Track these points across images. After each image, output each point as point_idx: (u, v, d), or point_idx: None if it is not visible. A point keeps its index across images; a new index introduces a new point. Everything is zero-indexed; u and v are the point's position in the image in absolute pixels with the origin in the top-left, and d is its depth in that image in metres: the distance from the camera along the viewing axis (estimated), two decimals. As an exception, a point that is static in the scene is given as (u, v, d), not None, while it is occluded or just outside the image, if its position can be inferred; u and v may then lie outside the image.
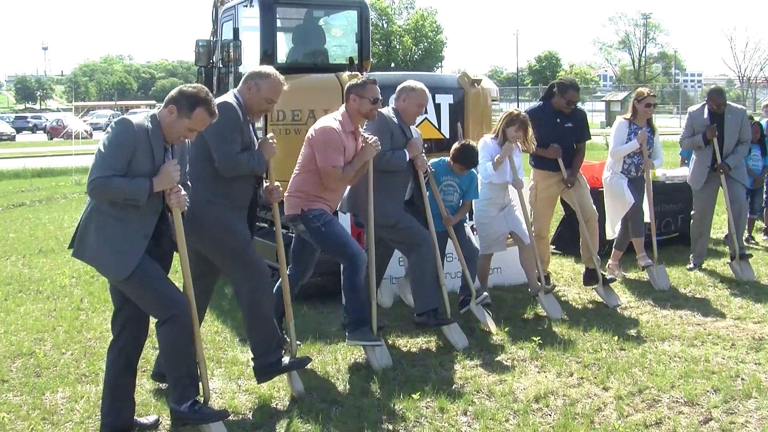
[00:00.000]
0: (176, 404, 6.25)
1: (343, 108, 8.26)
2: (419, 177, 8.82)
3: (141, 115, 6.15)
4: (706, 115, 12.01)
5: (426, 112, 11.24)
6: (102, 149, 5.90)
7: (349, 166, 8.05)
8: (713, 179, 12.07)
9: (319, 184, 8.04)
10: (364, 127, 8.52)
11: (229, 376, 7.82)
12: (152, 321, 6.41)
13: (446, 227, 9.32)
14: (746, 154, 12.27)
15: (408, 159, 8.60)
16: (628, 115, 11.31)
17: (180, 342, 6.21)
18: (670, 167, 12.89)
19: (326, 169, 7.90)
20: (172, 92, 6.18)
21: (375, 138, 8.21)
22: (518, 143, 10.01)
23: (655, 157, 11.32)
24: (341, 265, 8.14)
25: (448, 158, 9.50)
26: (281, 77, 7.22)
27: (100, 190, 5.82)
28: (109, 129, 6.02)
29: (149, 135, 5.99)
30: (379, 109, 8.59)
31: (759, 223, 15.27)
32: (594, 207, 10.79)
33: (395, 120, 8.68)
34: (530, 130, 9.96)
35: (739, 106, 12.77)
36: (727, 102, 12.17)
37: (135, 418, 6.61)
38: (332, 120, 8.09)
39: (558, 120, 10.61)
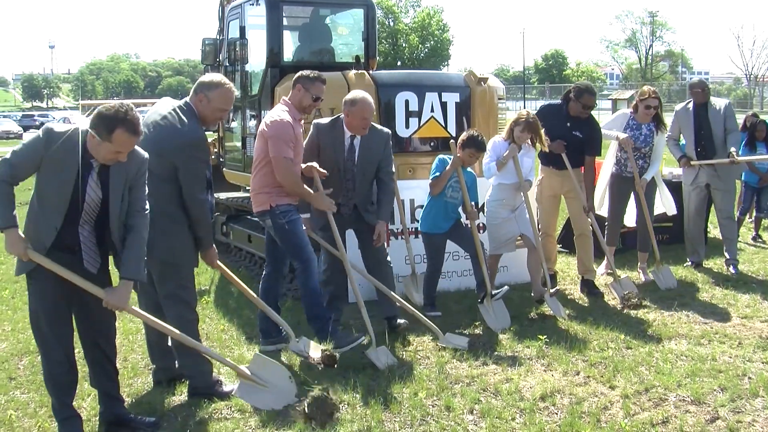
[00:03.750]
0: None
1: (286, 98, 8.38)
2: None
3: (77, 129, 6.02)
4: (690, 109, 12.16)
5: (432, 111, 11.27)
6: (18, 148, 5.92)
7: (296, 186, 8.15)
8: (703, 176, 12.15)
9: (272, 177, 8.20)
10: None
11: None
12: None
13: (470, 222, 9.49)
14: (738, 142, 12.25)
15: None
16: (632, 107, 11.35)
17: (55, 374, 6.31)
18: (677, 165, 12.85)
19: (277, 159, 8.00)
20: (93, 116, 5.97)
21: (330, 200, 8.35)
22: (528, 143, 10.03)
23: (654, 160, 11.34)
24: (301, 268, 8.18)
25: (450, 156, 9.49)
26: (230, 84, 7.18)
27: None
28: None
29: (65, 147, 5.89)
30: (337, 116, 8.83)
31: (766, 222, 15.24)
32: (588, 223, 10.88)
33: (347, 134, 8.78)
34: (542, 132, 10.00)
35: (722, 99, 12.94)
36: (711, 97, 12.27)
37: (135, 416, 6.69)
38: (282, 112, 8.19)
39: (568, 124, 10.64)
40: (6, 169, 5.85)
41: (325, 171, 8.35)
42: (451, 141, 9.52)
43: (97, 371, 6.59)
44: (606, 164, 11.51)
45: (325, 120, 8.95)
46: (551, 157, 10.68)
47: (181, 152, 6.73)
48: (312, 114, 10.53)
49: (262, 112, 11.41)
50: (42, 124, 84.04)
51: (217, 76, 7.22)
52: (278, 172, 8.05)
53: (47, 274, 6.05)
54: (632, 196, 11.50)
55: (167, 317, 7.16)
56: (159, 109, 7.10)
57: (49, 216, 5.98)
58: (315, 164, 8.32)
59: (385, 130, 9.08)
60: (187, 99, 7.10)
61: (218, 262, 7.45)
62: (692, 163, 11.97)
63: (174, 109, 6.96)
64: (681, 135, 12.35)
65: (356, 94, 8.78)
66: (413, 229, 10.38)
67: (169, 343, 7.36)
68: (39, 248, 6.00)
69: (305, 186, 8.18)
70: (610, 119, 11.53)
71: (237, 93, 7.42)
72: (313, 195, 8.22)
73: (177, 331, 6.69)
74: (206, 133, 7.27)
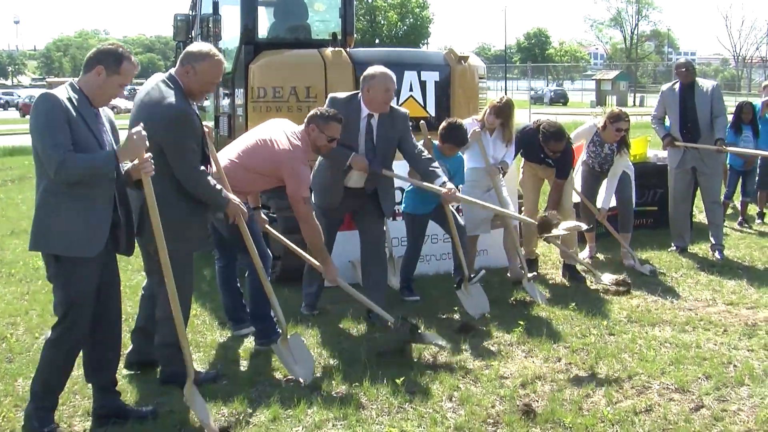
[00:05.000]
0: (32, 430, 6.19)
1: (302, 132, 8.21)
2: None
3: (61, 87, 6.00)
4: (677, 89, 12.19)
5: (411, 90, 11.25)
6: (39, 133, 5.76)
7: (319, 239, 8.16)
8: (689, 159, 12.20)
9: (253, 187, 8.18)
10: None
11: (208, 361, 7.83)
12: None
13: (444, 205, 9.31)
14: (725, 127, 12.30)
15: (348, 164, 8.64)
16: (600, 125, 11.39)
17: (62, 358, 6.17)
18: (661, 147, 12.92)
19: (296, 199, 7.89)
20: (90, 55, 6.04)
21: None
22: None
23: (610, 180, 11.51)
24: (248, 267, 8.10)
25: (436, 142, 9.51)
26: (220, 56, 6.94)
27: (65, 169, 5.63)
28: (33, 109, 5.86)
29: (76, 104, 5.85)
30: (354, 93, 8.73)
31: (752, 207, 15.29)
32: (572, 207, 11.03)
33: (363, 111, 8.70)
34: (511, 121, 10.20)
35: (710, 81, 13.07)
36: (698, 78, 12.32)
37: (132, 407, 6.65)
38: (301, 151, 8.03)
39: (542, 155, 10.67)
40: (59, 151, 5.65)
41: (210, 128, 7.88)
42: (422, 122, 9.50)
43: (102, 361, 6.47)
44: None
45: (342, 94, 8.87)
46: (530, 154, 10.81)
47: (164, 129, 6.53)
48: (287, 94, 10.57)
49: (236, 90, 11.37)
50: (6, 102, 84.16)
51: (205, 47, 6.99)
52: (295, 208, 7.97)
53: (93, 259, 5.98)
54: (604, 182, 11.64)
55: (157, 306, 7.13)
56: (146, 86, 6.93)
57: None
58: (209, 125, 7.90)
59: (403, 109, 9.07)
60: (172, 71, 6.92)
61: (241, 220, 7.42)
62: (677, 143, 12.02)
63: (157, 84, 6.79)
64: (666, 116, 12.42)
65: (374, 68, 8.71)
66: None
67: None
68: (108, 203, 6.01)
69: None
70: (579, 129, 11.62)
71: (226, 65, 7.26)
72: (327, 263, 8.24)
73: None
74: None
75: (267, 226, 8.37)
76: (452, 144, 9.52)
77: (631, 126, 11.54)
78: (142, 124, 6.01)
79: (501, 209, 9.87)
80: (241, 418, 6.52)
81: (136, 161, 5.98)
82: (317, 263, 8.25)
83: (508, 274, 10.36)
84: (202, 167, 6.84)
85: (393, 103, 8.84)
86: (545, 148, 10.46)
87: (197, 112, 7.00)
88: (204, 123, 7.16)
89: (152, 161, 6.03)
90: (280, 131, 8.14)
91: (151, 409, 6.62)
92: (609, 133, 11.16)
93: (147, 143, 5.93)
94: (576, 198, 11.50)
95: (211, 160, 7.21)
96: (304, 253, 8.45)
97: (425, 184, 8.85)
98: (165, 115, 6.59)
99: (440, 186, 8.68)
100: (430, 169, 8.80)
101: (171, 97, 6.67)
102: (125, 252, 6.38)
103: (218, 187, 6.99)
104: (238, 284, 8.68)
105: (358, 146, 8.72)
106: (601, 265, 11.43)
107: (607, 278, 10.45)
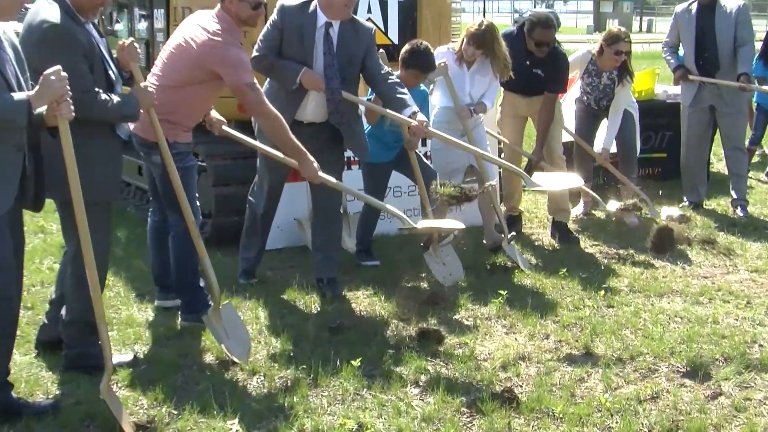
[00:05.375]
0: None
1: (219, 12, 7.93)
2: None
3: None
4: (693, 11, 12.08)
5: (370, 11, 11.16)
6: None
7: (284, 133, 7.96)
8: (707, 96, 12.12)
9: (193, 110, 7.96)
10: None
11: (124, 341, 7.72)
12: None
13: (408, 150, 9.31)
14: (751, 59, 12.24)
15: (298, 82, 8.49)
16: (595, 51, 11.34)
17: None
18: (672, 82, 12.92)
19: (239, 89, 7.68)
20: None
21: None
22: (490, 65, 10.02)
23: (612, 118, 11.48)
24: (176, 222, 7.90)
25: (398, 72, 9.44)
26: None
27: None
28: None
29: None
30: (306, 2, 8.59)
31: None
32: (561, 151, 10.99)
33: (320, 20, 8.56)
34: (499, 49, 9.94)
35: (735, 0, 12.37)
36: None
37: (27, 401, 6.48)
38: (226, 33, 7.75)
39: (527, 63, 10.57)
40: None
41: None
42: (381, 51, 9.39)
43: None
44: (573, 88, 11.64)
45: (293, 1, 8.71)
46: (516, 83, 10.67)
47: (41, 49, 6.40)
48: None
49: (155, 11, 11.20)
50: None
51: None
52: (244, 102, 7.86)
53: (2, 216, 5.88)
54: (601, 124, 11.64)
55: (66, 273, 7.05)
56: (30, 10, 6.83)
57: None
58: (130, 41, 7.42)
59: (369, 24, 9.03)
60: None
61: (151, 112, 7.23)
62: (691, 77, 11.97)
63: (38, 2, 6.65)
64: (680, 44, 12.37)
65: None
66: (346, 159, 10.32)
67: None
68: (15, 150, 5.86)
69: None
70: (570, 57, 11.57)
71: None
72: (302, 157, 8.01)
73: None
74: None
75: (224, 127, 8.26)
76: (416, 70, 9.35)
77: (637, 56, 11.55)
78: (58, 66, 5.78)
79: (483, 152, 9.80)
80: (164, 410, 6.42)
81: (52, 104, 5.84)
82: (292, 161, 8.12)
83: (484, 241, 10.34)
84: (99, 90, 6.63)
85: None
86: (533, 42, 10.39)
87: (93, 32, 6.83)
88: (123, 40, 7.10)
89: (71, 102, 5.88)
90: (193, 26, 7.91)
91: (51, 402, 6.50)
92: (607, 57, 11.10)
93: (67, 87, 5.77)
94: (567, 137, 11.45)
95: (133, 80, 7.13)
96: (275, 152, 8.26)
97: (390, 112, 8.76)
98: (40, 34, 6.47)
99: (409, 117, 8.58)
100: (398, 96, 8.67)
101: (46, 13, 6.52)
102: (32, 207, 6.27)
103: (115, 99, 6.73)
104: None
105: (313, 61, 8.57)
106: (598, 224, 11.46)
107: (613, 206, 10.49)
